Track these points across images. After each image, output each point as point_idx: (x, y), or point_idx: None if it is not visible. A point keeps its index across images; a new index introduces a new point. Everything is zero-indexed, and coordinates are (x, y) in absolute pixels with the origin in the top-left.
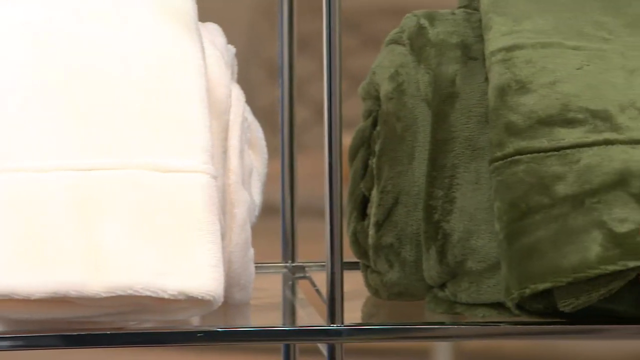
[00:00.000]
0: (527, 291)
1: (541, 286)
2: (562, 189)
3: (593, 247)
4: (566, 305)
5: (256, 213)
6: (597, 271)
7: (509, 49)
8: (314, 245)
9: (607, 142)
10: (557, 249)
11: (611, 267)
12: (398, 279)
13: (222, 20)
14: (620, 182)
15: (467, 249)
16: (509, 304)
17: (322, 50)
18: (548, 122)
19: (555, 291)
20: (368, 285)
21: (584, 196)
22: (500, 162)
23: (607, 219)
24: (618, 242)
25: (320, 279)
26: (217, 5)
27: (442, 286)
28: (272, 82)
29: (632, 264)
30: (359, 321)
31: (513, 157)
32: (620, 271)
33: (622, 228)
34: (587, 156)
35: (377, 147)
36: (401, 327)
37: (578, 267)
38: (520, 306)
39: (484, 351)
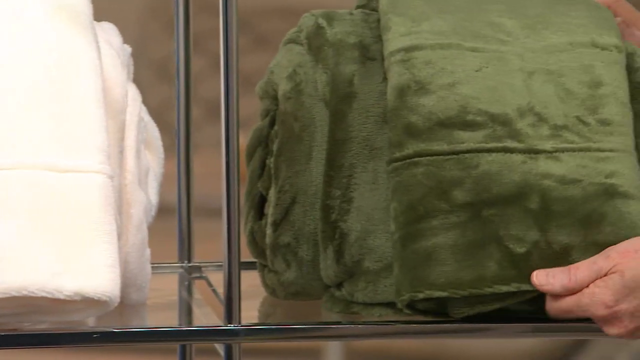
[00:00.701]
0: (421, 295)
1: (437, 294)
2: (460, 195)
3: (489, 264)
4: (459, 313)
5: (152, 213)
6: (491, 290)
7: (408, 49)
8: (209, 245)
9: (507, 150)
10: (456, 260)
11: (505, 288)
12: (295, 279)
13: (109, 19)
14: (518, 195)
15: (364, 248)
16: (399, 305)
17: (212, 48)
18: (447, 124)
19: (450, 299)
20: (265, 285)
21: (482, 205)
22: (399, 162)
23: (503, 235)
24: (513, 263)
25: (217, 279)
26: (105, 4)
27: (339, 286)
28: (161, 82)
29: (525, 287)
30: (256, 321)
31: (412, 159)
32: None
33: (518, 248)
34: (486, 162)
35: (274, 147)
36: (298, 327)
37: (475, 282)
38: (410, 305)
39: (375, 349)
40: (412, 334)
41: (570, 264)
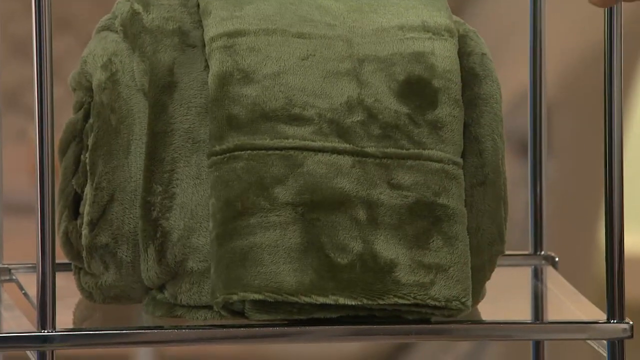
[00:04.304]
0: (235, 297)
1: (252, 296)
2: (282, 194)
3: (309, 271)
4: (253, 315)
5: None
6: (308, 299)
7: (231, 34)
8: (18, 244)
9: (335, 151)
10: (274, 262)
11: (321, 299)
12: (114, 281)
13: None
14: (344, 203)
15: (188, 247)
16: (215, 307)
17: (10, 32)
18: (272, 117)
19: (266, 303)
20: (81, 288)
21: (305, 208)
22: (219, 156)
23: (325, 242)
24: (334, 274)
25: (28, 281)
26: None
27: (162, 288)
28: None
29: (343, 300)
30: (71, 326)
31: (233, 153)
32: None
33: (339, 258)
34: (312, 162)
35: (90, 141)
36: (118, 332)
37: (292, 289)
38: (226, 308)
39: (189, 354)
40: (240, 338)
41: (394, 282)
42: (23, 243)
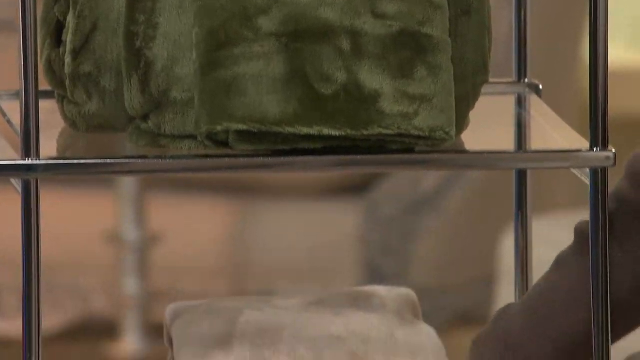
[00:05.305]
0: (219, 127)
1: (235, 126)
2: (266, 24)
3: (293, 102)
4: (237, 145)
5: None
6: (292, 130)
7: None
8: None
9: None
10: (258, 92)
11: (305, 130)
12: (97, 110)
13: None
14: (328, 33)
15: (172, 77)
16: (199, 138)
17: None
18: None
19: (251, 133)
20: (64, 116)
21: (288, 38)
22: None
23: (309, 72)
24: (318, 104)
25: (11, 109)
26: None
27: (145, 117)
28: None
29: (327, 131)
30: (55, 154)
31: None
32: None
33: (323, 89)
34: None
35: None
36: (102, 162)
37: (277, 120)
38: (210, 138)
39: (173, 181)
40: (224, 168)
41: (379, 112)
42: (4, 62)
